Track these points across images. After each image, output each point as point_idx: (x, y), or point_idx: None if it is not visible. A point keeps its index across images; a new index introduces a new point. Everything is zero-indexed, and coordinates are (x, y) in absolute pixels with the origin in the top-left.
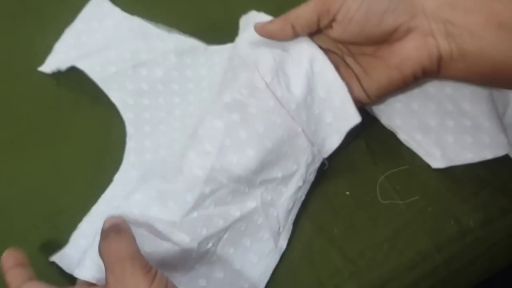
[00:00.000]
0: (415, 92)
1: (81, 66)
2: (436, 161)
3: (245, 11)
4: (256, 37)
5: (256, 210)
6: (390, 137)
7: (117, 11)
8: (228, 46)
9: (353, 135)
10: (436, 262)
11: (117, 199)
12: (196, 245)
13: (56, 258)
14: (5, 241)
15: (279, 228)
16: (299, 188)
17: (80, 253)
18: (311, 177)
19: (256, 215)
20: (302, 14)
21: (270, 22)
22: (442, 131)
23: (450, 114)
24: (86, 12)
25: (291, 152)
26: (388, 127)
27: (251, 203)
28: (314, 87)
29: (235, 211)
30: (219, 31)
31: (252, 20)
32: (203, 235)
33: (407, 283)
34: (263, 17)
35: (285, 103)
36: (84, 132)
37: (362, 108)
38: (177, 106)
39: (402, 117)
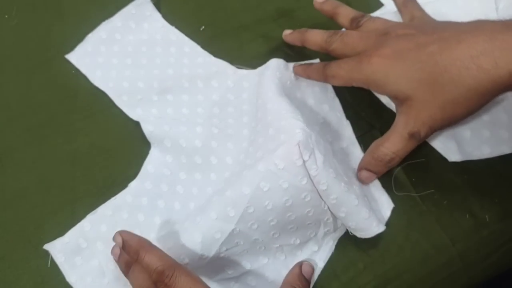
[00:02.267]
0: None
1: (109, 93)
2: (453, 155)
3: (261, 1)
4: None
5: (267, 267)
6: None
7: (157, 17)
8: (257, 70)
9: (369, 126)
10: (451, 255)
11: (125, 208)
12: None
13: (48, 246)
14: (23, 228)
15: None
16: (314, 252)
17: (75, 250)
18: (330, 244)
19: (267, 272)
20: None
21: None
22: (460, 125)
23: None
24: (126, 11)
25: (313, 224)
26: None
27: (263, 259)
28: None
29: (246, 263)
30: (237, 21)
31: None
32: (212, 279)
33: (421, 275)
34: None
35: (316, 182)
36: (102, 121)
37: (379, 100)
38: (200, 124)
39: None
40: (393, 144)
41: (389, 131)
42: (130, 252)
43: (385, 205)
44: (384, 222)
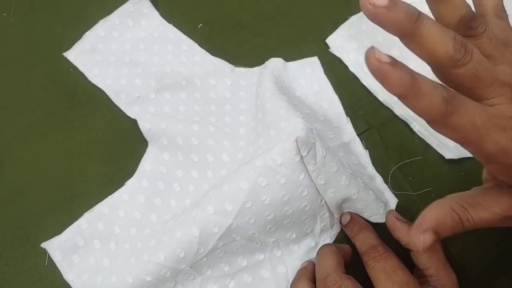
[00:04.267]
0: None
1: (107, 91)
2: (450, 152)
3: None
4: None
5: (263, 264)
6: (403, 127)
7: (155, 15)
8: (256, 69)
9: (367, 125)
10: (448, 254)
11: (122, 207)
12: (200, 281)
13: (46, 244)
14: (21, 226)
15: (286, 287)
16: (311, 248)
17: (72, 248)
18: (327, 241)
19: (263, 269)
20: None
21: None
22: None
23: None
24: (124, 8)
25: (309, 219)
26: (402, 117)
27: (259, 255)
28: (356, 173)
29: (242, 260)
30: (235, 19)
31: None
32: (208, 275)
33: None
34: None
35: (314, 177)
36: (100, 119)
37: (376, 99)
38: (197, 122)
39: None
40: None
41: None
42: (355, 227)
43: (390, 199)
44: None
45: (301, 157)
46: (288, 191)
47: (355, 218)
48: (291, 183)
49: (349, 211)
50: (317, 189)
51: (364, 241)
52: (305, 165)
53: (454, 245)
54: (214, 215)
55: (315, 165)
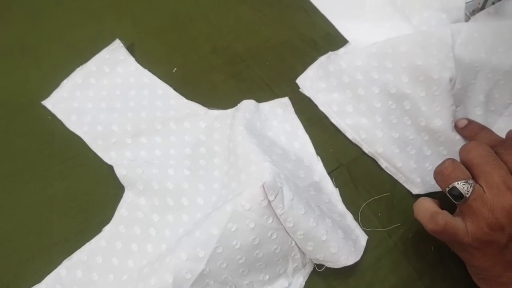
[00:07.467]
0: (394, 121)
1: (84, 138)
2: (416, 188)
3: (231, 43)
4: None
5: None
6: (372, 164)
7: (130, 61)
8: (229, 111)
9: (337, 163)
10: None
11: (99, 253)
12: None
13: None
14: (2, 275)
15: None
16: None
17: None
18: (300, 281)
19: None
20: None
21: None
22: (421, 159)
23: (427, 143)
24: (100, 56)
25: (281, 261)
26: (370, 155)
27: None
28: (326, 212)
29: None
30: (208, 63)
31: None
32: None
33: None
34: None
35: (283, 220)
36: (78, 166)
37: (346, 137)
38: (172, 166)
39: (384, 145)
40: None
41: None
42: (476, 127)
43: (360, 236)
44: (361, 253)
45: (269, 201)
46: (258, 235)
47: (472, 120)
48: (260, 227)
49: (465, 118)
50: (286, 232)
51: (491, 136)
52: (273, 209)
53: (423, 280)
54: (186, 261)
55: (283, 209)
